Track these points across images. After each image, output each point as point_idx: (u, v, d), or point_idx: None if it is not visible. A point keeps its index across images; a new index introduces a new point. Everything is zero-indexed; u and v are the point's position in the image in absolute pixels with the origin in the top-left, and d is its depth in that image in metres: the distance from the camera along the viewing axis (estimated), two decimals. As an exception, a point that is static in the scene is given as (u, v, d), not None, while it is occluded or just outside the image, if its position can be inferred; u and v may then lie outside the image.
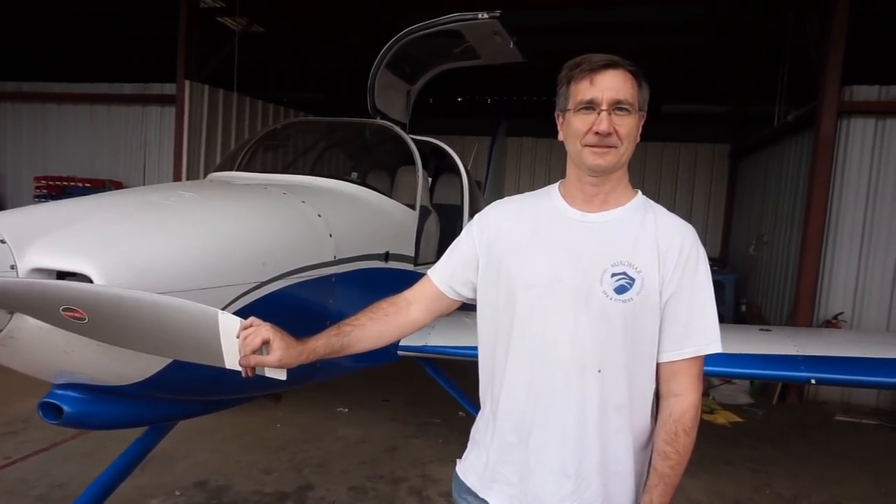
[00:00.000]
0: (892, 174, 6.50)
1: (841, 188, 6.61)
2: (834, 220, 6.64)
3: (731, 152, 11.86)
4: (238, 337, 1.49)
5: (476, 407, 1.73)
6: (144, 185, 8.92)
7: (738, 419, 6.02)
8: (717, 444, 5.21)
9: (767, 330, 4.13)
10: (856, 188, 6.59)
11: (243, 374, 1.49)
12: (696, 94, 12.89)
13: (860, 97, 6.46)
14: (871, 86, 6.45)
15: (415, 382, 5.59)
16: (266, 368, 1.50)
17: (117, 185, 8.94)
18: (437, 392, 4.36)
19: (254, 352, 1.47)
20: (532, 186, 1.79)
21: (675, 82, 11.83)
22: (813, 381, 3.31)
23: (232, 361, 1.52)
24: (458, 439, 1.77)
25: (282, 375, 1.52)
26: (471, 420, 1.75)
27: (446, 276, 1.70)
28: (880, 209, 6.56)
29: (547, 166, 13.22)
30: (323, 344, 1.57)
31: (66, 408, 2.19)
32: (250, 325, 1.49)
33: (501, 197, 1.74)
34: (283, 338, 1.49)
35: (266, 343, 1.47)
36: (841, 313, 6.61)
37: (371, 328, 1.64)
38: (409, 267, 3.95)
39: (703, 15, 9.05)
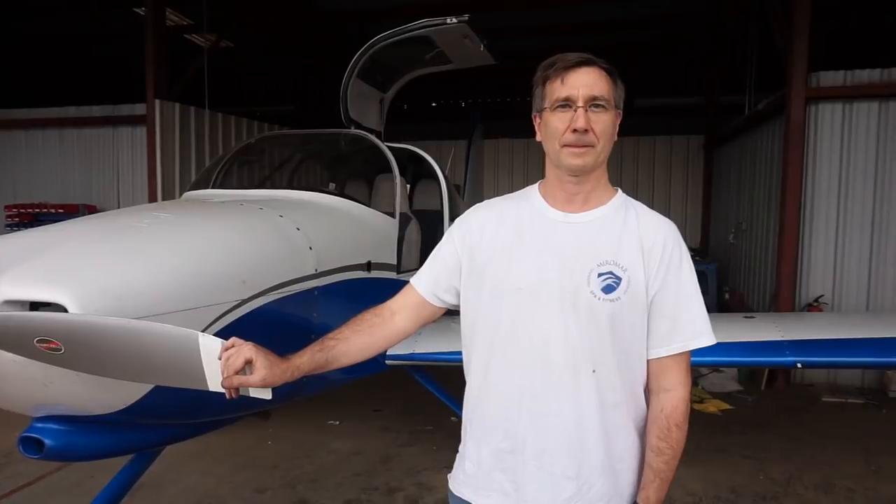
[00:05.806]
0: (861, 156, 6.61)
1: (814, 173, 6.70)
2: (809, 204, 6.74)
3: (705, 143, 12.00)
4: (220, 358, 1.46)
5: None
6: (119, 207, 8.79)
7: (728, 407, 6.07)
8: (709, 433, 5.24)
9: (752, 317, 4.17)
10: (828, 172, 6.69)
11: (227, 396, 1.46)
12: (667, 88, 13.02)
13: (827, 83, 6.57)
14: (837, 71, 6.56)
15: (405, 391, 5.56)
16: (250, 388, 1.47)
17: (91, 209, 8.79)
18: (428, 399, 4.33)
19: (237, 372, 1.43)
20: (511, 187, 1.78)
21: (647, 76, 11.95)
22: (799, 365, 3.33)
23: (216, 384, 1.49)
24: (452, 445, 1.73)
25: (266, 395, 1.49)
26: (463, 425, 1.72)
27: (430, 283, 1.67)
28: (853, 191, 6.66)
29: (525, 166, 13.27)
30: (307, 360, 1.54)
31: (47, 441, 2.12)
32: (231, 346, 1.46)
33: (481, 199, 1.72)
34: (265, 356, 1.46)
35: (249, 363, 1.44)
36: (822, 296, 6.70)
37: (355, 341, 1.62)
38: (393, 275, 3.92)
39: (670, 10, 9.16)
